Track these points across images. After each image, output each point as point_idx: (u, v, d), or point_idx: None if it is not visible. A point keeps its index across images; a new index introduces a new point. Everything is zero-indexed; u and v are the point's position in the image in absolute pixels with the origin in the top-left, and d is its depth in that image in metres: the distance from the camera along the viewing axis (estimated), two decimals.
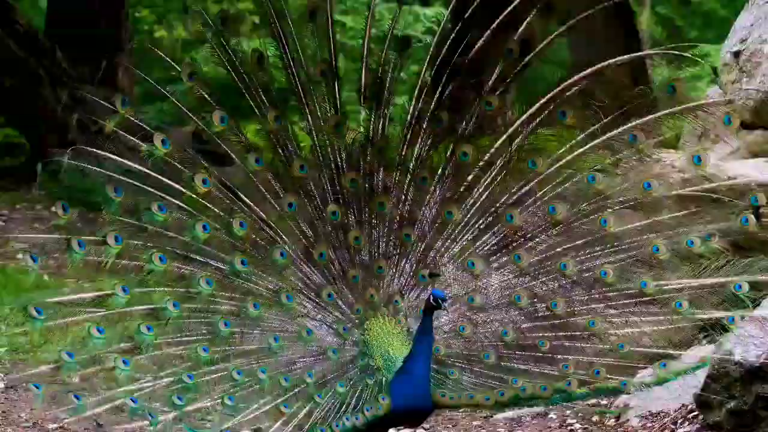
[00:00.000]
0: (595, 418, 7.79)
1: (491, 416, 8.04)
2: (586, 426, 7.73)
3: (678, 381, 6.20)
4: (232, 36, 6.07)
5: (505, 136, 6.06)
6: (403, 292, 6.10)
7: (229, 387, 5.94)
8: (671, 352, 6.02)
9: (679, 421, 7.14)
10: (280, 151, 6.10)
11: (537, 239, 6.10)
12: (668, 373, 6.03)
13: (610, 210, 6.04)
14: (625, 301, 6.05)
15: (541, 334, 6.05)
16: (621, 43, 17.89)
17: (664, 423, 7.23)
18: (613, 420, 7.58)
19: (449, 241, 6.11)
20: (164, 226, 5.97)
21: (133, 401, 5.86)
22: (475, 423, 7.92)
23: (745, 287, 6.00)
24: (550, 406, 6.70)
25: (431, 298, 5.83)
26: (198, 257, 6.01)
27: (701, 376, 6.56)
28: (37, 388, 5.97)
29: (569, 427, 7.78)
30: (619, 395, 5.98)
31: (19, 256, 5.99)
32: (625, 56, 6.02)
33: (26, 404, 8.08)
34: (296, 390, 5.96)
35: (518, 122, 6.05)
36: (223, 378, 5.95)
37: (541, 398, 6.06)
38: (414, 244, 6.11)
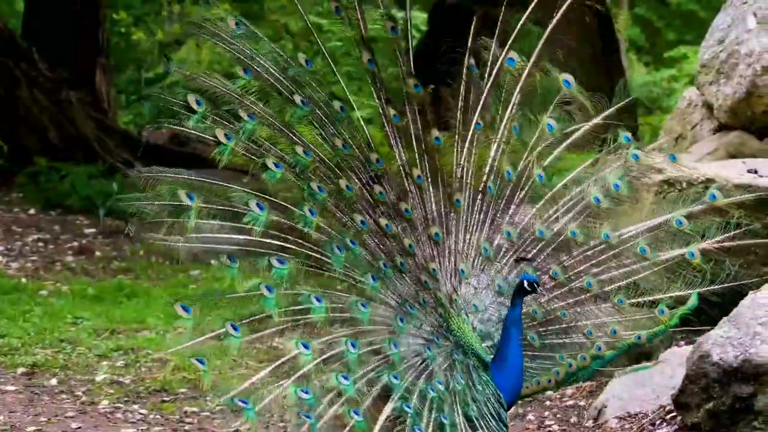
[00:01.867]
0: (573, 419, 7.81)
1: None
2: (564, 427, 7.74)
3: (655, 382, 6.25)
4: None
5: (479, 110, 6.15)
6: (456, 289, 6.10)
7: (427, 404, 5.86)
8: (661, 297, 6.14)
9: (657, 422, 7.15)
10: (327, 178, 6.06)
11: (511, 208, 6.18)
12: (670, 318, 6.15)
13: (550, 157, 6.17)
14: (601, 258, 6.15)
15: (558, 305, 6.15)
16: (597, 44, 17.97)
17: (642, 424, 7.23)
18: (591, 421, 7.59)
19: (464, 230, 6.15)
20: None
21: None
22: None
23: (685, 222, 6.15)
24: (593, 373, 6.71)
25: (524, 283, 5.83)
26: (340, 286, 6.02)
27: (679, 376, 6.58)
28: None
29: (547, 428, 7.78)
30: (637, 348, 6.14)
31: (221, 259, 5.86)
32: None
33: (3, 407, 8.03)
34: (459, 398, 5.94)
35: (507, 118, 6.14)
36: (424, 399, 5.88)
37: (585, 368, 6.15)
38: (445, 241, 6.13)
